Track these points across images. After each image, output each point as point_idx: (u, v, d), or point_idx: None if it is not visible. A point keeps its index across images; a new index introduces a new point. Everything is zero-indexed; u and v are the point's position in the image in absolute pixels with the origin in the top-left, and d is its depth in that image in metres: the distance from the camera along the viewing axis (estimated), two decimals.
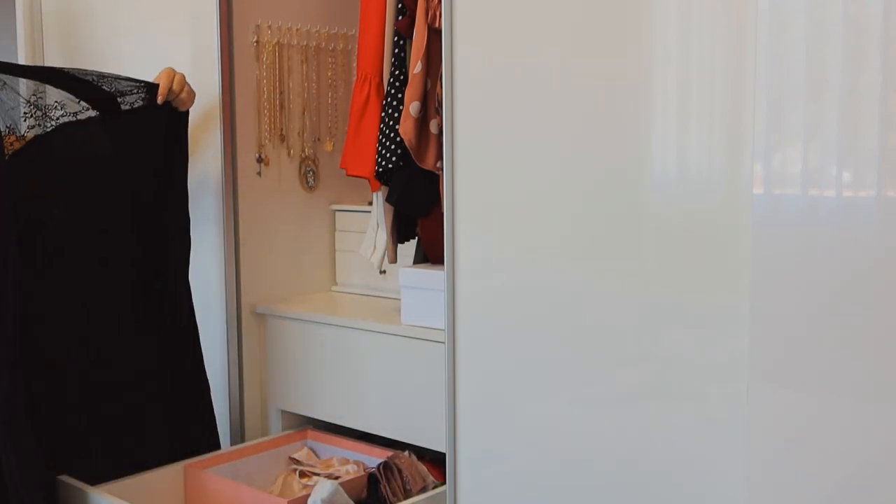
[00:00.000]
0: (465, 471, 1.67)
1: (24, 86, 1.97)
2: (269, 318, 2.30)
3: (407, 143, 1.92)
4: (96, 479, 1.91)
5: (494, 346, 1.61)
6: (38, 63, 2.62)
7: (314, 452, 2.27)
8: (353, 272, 2.42)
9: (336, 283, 2.48)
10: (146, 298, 2.06)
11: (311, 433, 2.29)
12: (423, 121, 1.93)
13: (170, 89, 2.02)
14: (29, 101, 1.94)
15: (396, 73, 2.01)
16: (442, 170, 1.77)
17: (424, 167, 1.95)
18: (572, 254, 1.49)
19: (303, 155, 2.39)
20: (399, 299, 2.08)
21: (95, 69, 2.42)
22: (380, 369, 2.08)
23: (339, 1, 2.40)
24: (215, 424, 2.18)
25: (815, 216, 1.22)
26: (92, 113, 2.00)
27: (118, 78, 2.01)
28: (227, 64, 2.21)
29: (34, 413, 1.82)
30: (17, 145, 1.87)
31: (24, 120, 1.93)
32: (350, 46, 2.44)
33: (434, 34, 1.89)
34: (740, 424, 1.31)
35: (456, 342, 1.66)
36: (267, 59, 2.29)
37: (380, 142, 2.01)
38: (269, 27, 2.29)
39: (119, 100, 2.01)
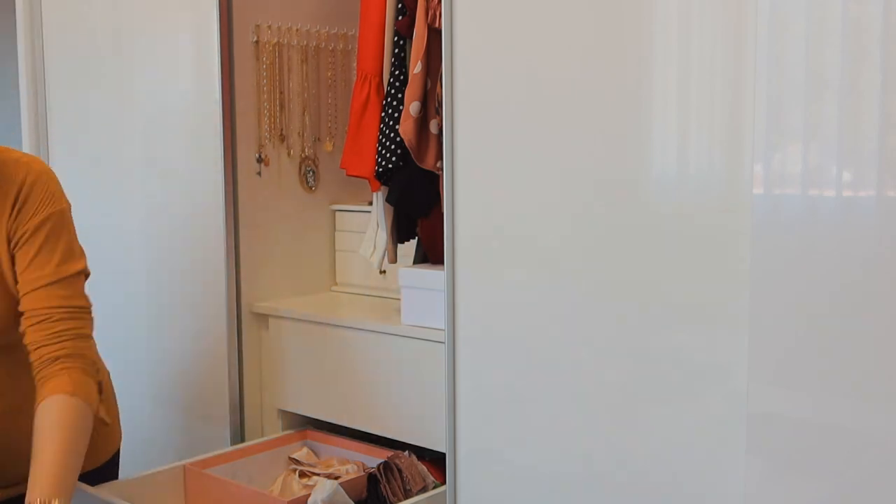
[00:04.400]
0: (465, 471, 1.67)
1: None
2: (269, 318, 2.30)
3: (407, 143, 1.92)
4: None
5: (494, 346, 1.61)
6: (38, 63, 2.62)
7: (314, 452, 2.27)
8: (353, 272, 2.42)
9: (336, 283, 2.48)
10: None
11: (310, 433, 2.29)
12: (423, 121, 1.93)
13: None
14: None
15: (396, 73, 2.01)
16: (442, 170, 1.77)
17: (424, 167, 1.95)
18: (572, 253, 1.49)
19: (303, 155, 2.39)
20: (399, 299, 2.08)
21: (95, 68, 2.43)
22: (380, 369, 2.08)
23: (339, 1, 2.40)
24: None
25: (815, 216, 1.22)
26: None
27: None
28: (227, 64, 2.21)
29: None
30: None
31: None
32: (350, 46, 2.44)
33: (434, 34, 1.89)
34: (740, 424, 1.31)
35: (456, 342, 1.66)
36: (267, 59, 2.29)
37: (380, 142, 2.01)
38: (269, 27, 2.29)
39: None
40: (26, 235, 1.43)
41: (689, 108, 1.35)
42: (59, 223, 1.46)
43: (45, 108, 2.64)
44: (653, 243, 1.39)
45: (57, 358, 1.40)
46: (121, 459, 2.18)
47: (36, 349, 1.41)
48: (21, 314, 1.43)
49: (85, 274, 1.49)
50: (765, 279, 1.26)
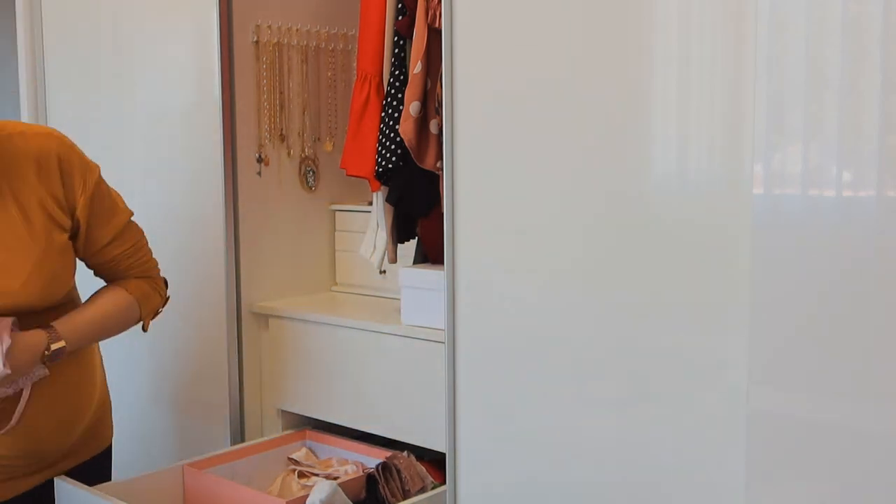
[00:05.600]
0: (465, 471, 1.67)
1: None
2: (269, 318, 2.30)
3: (407, 143, 1.92)
4: None
5: (494, 346, 1.60)
6: (38, 63, 2.62)
7: (313, 453, 2.27)
8: (353, 272, 2.42)
9: (336, 283, 2.47)
10: None
11: (309, 433, 2.29)
12: (423, 121, 1.93)
13: None
14: None
15: (396, 73, 2.01)
16: (442, 170, 1.77)
17: (424, 167, 1.95)
18: (571, 253, 1.49)
19: (303, 155, 2.39)
20: (399, 299, 2.08)
21: (95, 69, 2.42)
22: (380, 369, 2.08)
23: (339, 1, 2.40)
24: None
25: (815, 216, 1.22)
26: None
27: None
28: (227, 64, 2.21)
29: None
30: None
31: None
32: (350, 46, 2.44)
33: (434, 34, 1.89)
34: (740, 424, 1.31)
35: (456, 342, 1.65)
36: (267, 59, 2.29)
37: (380, 142, 2.01)
38: (269, 27, 2.29)
39: None
40: (83, 205, 1.65)
41: (689, 109, 1.35)
42: (100, 182, 1.69)
43: (45, 109, 2.64)
44: (653, 243, 1.39)
45: (128, 279, 1.77)
46: (120, 458, 2.18)
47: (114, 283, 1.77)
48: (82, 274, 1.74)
49: (130, 215, 1.76)
50: (765, 279, 1.26)
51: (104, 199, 1.69)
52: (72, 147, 1.66)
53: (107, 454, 1.96)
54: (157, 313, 1.83)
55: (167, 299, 1.85)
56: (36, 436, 1.72)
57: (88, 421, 1.83)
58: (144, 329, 1.82)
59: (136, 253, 1.77)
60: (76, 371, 1.77)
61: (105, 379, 1.95)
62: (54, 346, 1.61)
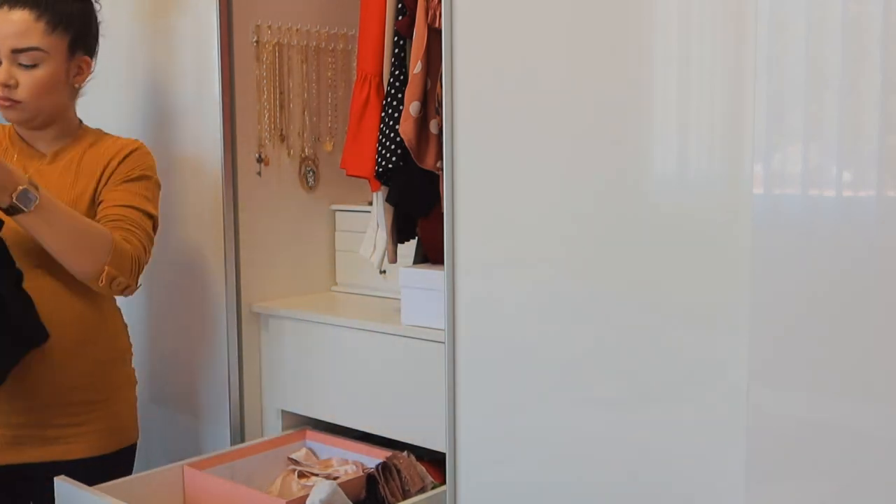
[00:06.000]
0: (465, 472, 1.67)
1: None
2: (269, 318, 2.30)
3: (407, 143, 1.92)
4: None
5: (494, 347, 1.61)
6: None
7: (313, 453, 2.27)
8: (353, 272, 2.42)
9: (336, 283, 2.48)
10: None
11: (309, 433, 2.29)
12: (423, 121, 1.93)
13: None
14: None
15: (396, 73, 2.01)
16: (442, 170, 1.77)
17: (424, 167, 1.95)
18: (572, 253, 1.49)
19: (303, 155, 2.39)
20: (399, 299, 2.08)
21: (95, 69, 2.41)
22: (380, 369, 2.08)
23: (339, 1, 2.40)
24: None
25: (815, 216, 1.22)
26: None
27: None
28: (227, 64, 2.21)
29: None
30: None
31: None
32: (350, 46, 2.44)
33: (434, 34, 1.89)
34: (740, 424, 1.31)
35: (456, 342, 1.65)
36: (267, 59, 2.29)
37: (380, 142, 2.01)
38: (269, 27, 2.29)
39: None
40: (118, 179, 1.84)
41: (689, 108, 1.35)
42: (148, 183, 1.89)
43: None
44: (653, 243, 1.39)
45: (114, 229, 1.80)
46: None
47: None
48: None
49: (154, 221, 1.88)
50: (765, 279, 1.26)
51: (144, 187, 1.87)
52: (148, 154, 1.92)
53: (128, 453, 2.00)
54: (114, 280, 1.77)
55: (129, 285, 1.82)
56: (30, 391, 1.81)
57: (95, 390, 1.90)
58: (100, 283, 1.76)
59: (128, 216, 1.82)
60: (73, 332, 1.86)
61: (125, 363, 2.01)
62: (23, 187, 1.64)
